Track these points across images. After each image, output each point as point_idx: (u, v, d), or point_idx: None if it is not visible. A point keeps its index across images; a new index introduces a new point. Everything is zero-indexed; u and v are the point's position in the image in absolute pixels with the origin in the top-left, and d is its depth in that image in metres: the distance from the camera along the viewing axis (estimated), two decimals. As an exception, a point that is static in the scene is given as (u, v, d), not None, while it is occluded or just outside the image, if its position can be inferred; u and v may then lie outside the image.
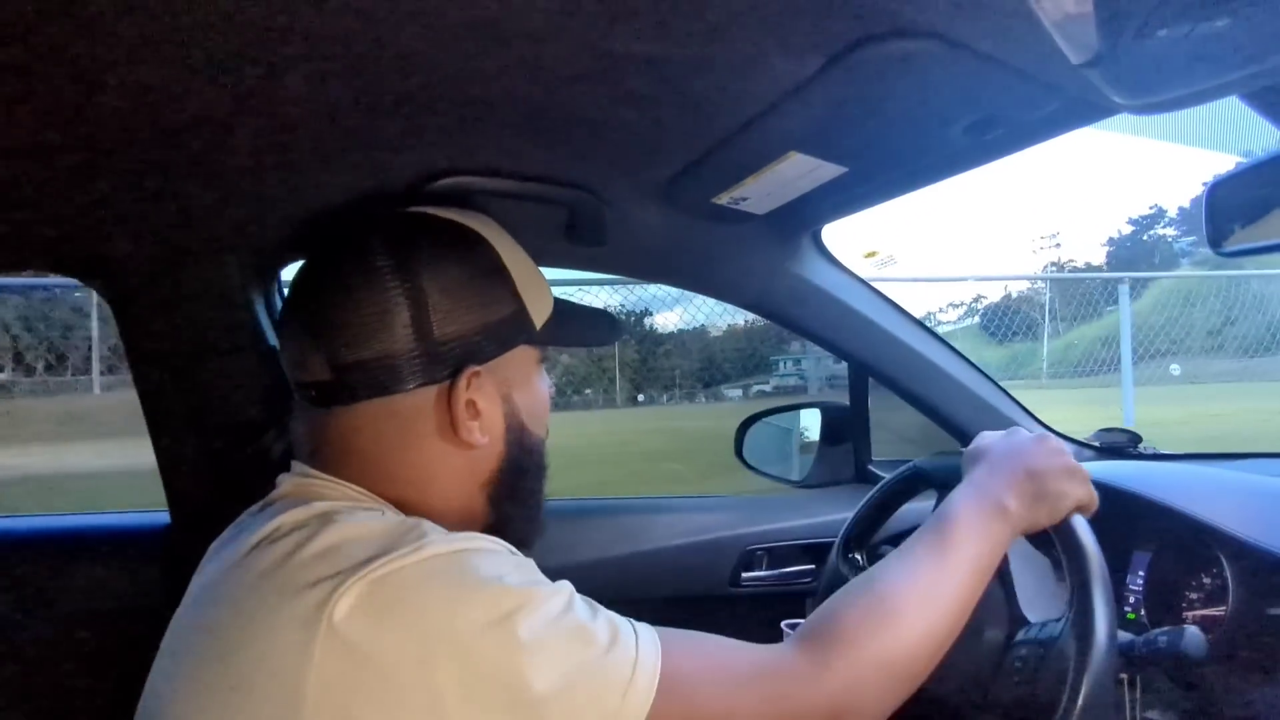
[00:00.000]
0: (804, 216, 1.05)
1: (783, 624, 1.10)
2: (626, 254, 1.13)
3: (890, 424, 1.52)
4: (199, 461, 1.03)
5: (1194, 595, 0.95)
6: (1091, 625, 0.67)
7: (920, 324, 1.29)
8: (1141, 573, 1.00)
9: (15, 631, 0.88)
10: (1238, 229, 0.69)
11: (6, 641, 0.86)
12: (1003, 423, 1.34)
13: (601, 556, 1.31)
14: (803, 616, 1.08)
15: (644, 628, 0.56)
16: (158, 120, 0.64)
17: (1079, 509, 0.73)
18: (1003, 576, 0.81)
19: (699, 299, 6.77)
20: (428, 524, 0.55)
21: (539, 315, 0.69)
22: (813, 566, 1.35)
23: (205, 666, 0.51)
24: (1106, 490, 1.02)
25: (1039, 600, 0.82)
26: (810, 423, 1.62)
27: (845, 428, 1.54)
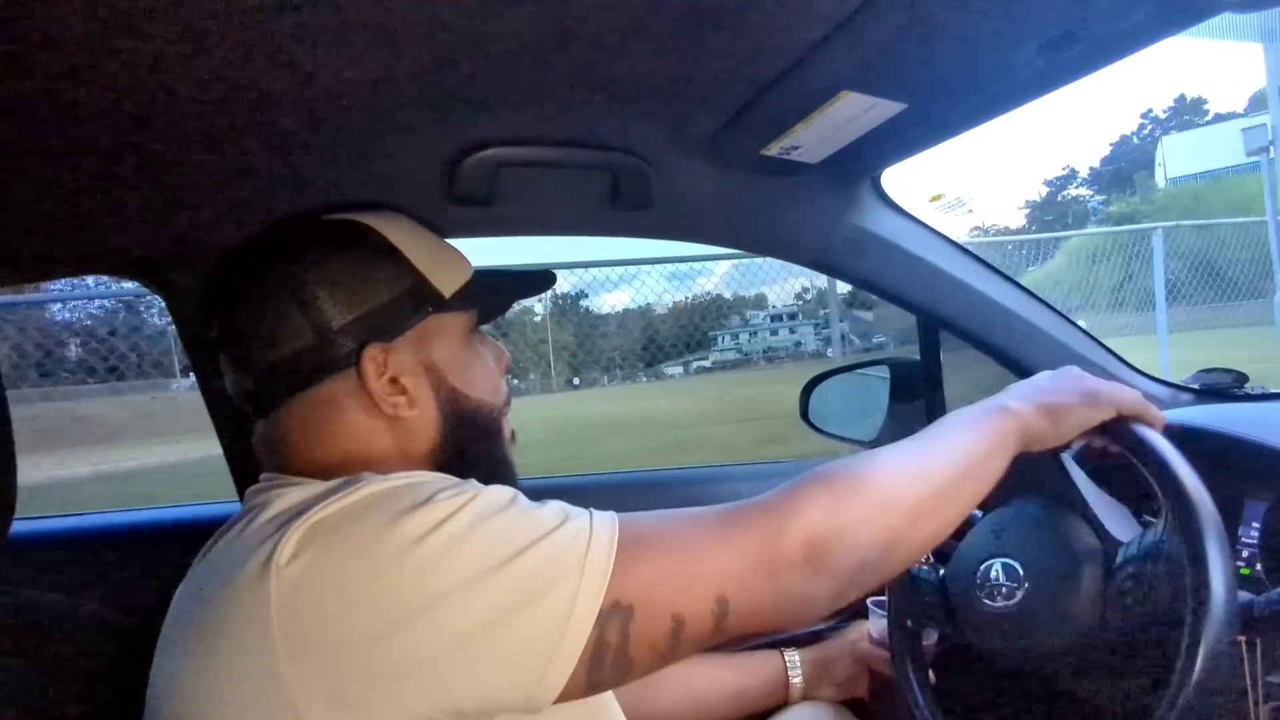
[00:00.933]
0: (862, 162, 0.98)
1: (869, 600, 1.05)
2: (675, 216, 1.08)
3: (966, 379, 1.44)
4: None
5: (1319, 546, 0.86)
6: (1191, 515, 0.63)
7: (995, 270, 1.20)
8: (1256, 524, 0.91)
9: (104, 624, 0.92)
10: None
11: (99, 634, 0.90)
12: (1091, 368, 1.25)
13: None
14: None
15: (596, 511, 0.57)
16: (200, 118, 0.65)
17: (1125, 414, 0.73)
18: (1085, 514, 0.77)
19: (643, 279, 6.73)
20: (370, 474, 0.57)
21: (448, 285, 0.72)
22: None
23: (190, 636, 0.54)
24: (1209, 436, 0.94)
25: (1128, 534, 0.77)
26: (879, 381, 1.56)
27: (917, 384, 1.47)
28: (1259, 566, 0.90)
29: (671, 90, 0.78)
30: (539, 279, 0.85)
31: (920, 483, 0.61)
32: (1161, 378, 1.32)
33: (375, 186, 0.87)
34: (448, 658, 0.49)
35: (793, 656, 1.03)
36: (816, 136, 0.86)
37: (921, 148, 0.96)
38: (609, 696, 0.72)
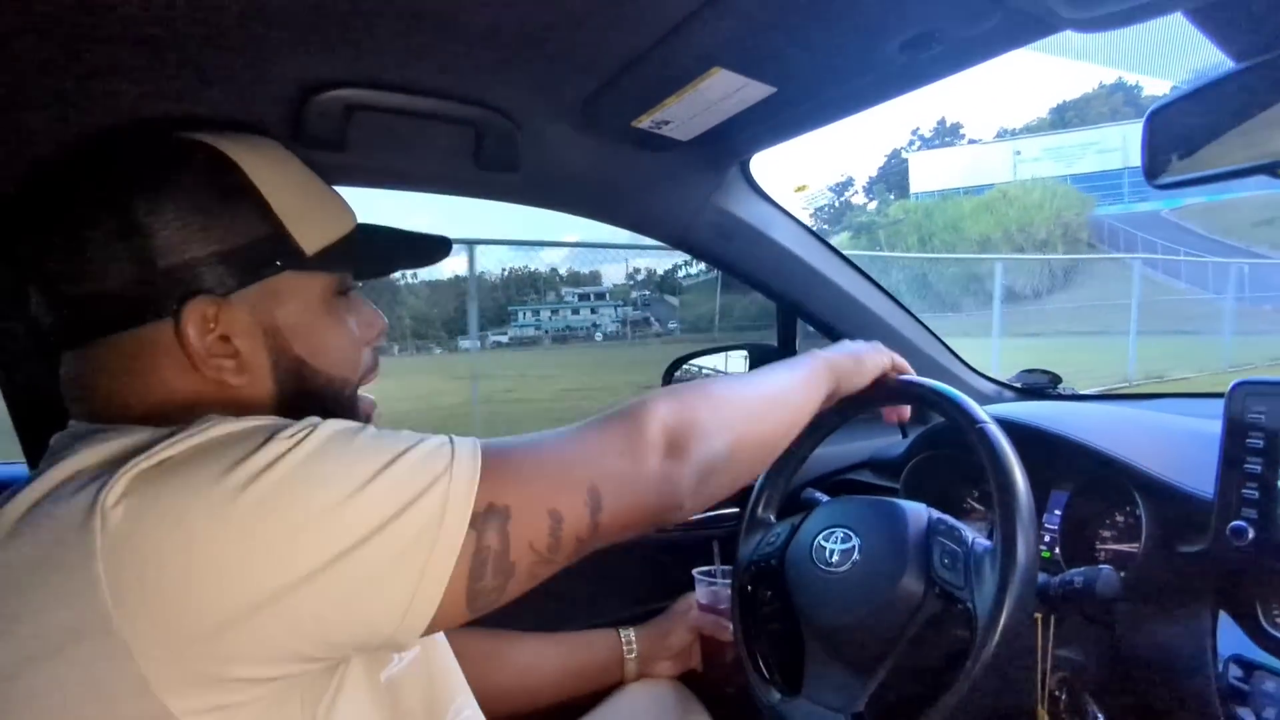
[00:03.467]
0: (731, 144, 0.98)
1: (694, 571, 1.08)
2: (541, 182, 1.04)
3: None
4: None
5: (1107, 533, 0.96)
6: (1009, 501, 0.69)
7: (851, 263, 1.25)
8: (1058, 511, 1.00)
9: None
10: (1175, 159, 0.66)
11: None
12: (929, 362, 1.33)
13: None
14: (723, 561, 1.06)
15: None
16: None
17: (886, 368, 0.87)
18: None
19: (487, 248, 6.60)
20: (218, 416, 0.51)
21: (313, 239, 0.62)
22: (736, 510, 1.33)
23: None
24: (1025, 430, 1.02)
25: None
26: (737, 365, 1.59)
27: (774, 370, 1.51)
28: (1058, 550, 1.00)
29: (544, 49, 0.74)
30: (430, 245, 0.76)
31: (752, 393, 0.71)
32: (990, 375, 1.43)
33: (219, 114, 0.77)
34: (312, 587, 0.44)
35: (628, 633, 1.03)
36: (688, 112, 0.85)
37: (790, 134, 0.97)
38: (455, 667, 0.71)
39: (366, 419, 0.69)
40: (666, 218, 1.15)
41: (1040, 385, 1.36)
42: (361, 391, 0.69)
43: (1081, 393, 1.34)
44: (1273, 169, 0.58)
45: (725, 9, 0.65)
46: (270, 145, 0.64)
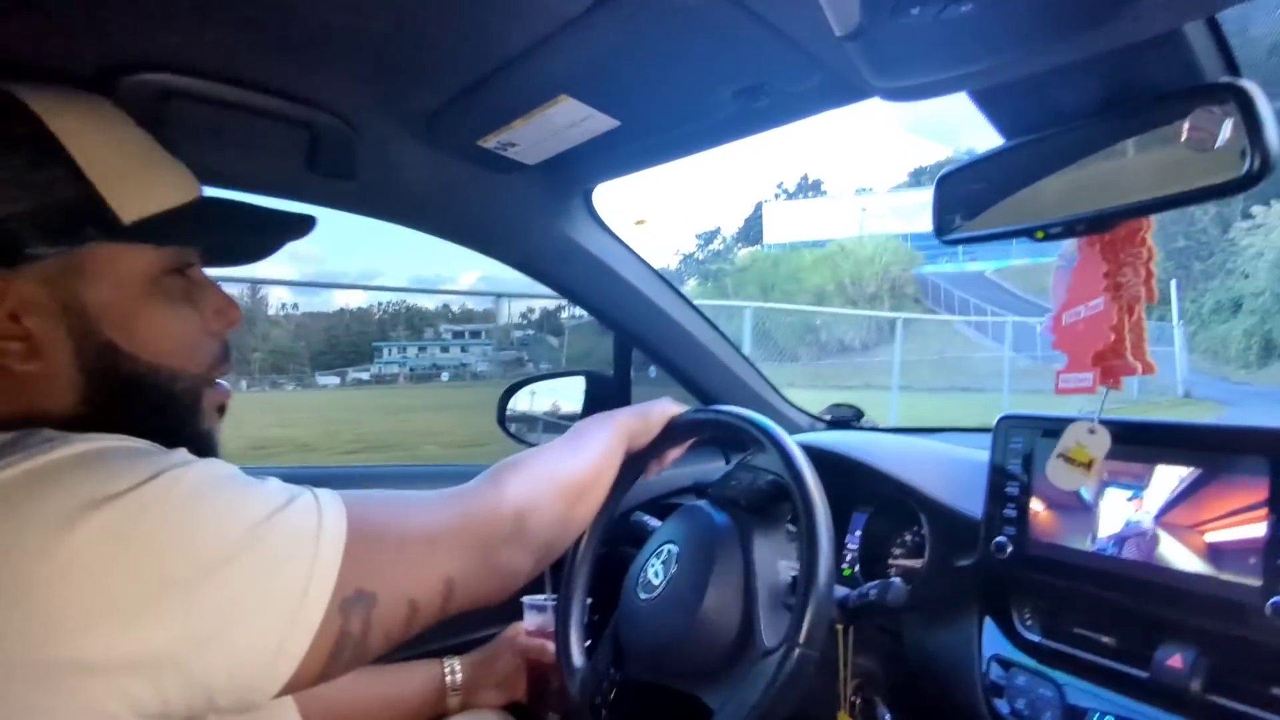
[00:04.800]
0: (576, 172, 1.01)
1: (524, 599, 1.07)
2: (380, 193, 1.01)
3: (653, 394, 1.55)
4: None
5: (898, 550, 1.06)
6: (811, 520, 0.72)
7: (684, 297, 1.31)
8: (858, 532, 1.10)
9: None
10: (959, 219, 0.76)
11: None
12: (751, 396, 1.42)
13: None
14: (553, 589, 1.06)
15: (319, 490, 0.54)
16: None
17: (671, 414, 0.90)
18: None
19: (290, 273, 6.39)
20: (49, 431, 0.47)
21: (135, 206, 0.55)
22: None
23: None
24: (831, 457, 1.11)
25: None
26: (574, 391, 1.60)
27: (610, 397, 1.54)
28: (858, 568, 1.09)
29: (390, 60, 0.72)
30: (290, 222, 0.67)
31: (577, 468, 0.76)
32: (803, 409, 1.54)
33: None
34: (162, 651, 0.42)
35: (452, 662, 1.00)
36: (534, 137, 0.86)
37: (633, 168, 1.02)
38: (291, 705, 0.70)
39: (220, 409, 0.64)
40: (510, 239, 1.15)
41: (846, 418, 1.49)
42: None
43: (881, 425, 1.48)
44: (1031, 232, 0.68)
45: (575, 40, 0.67)
46: (95, 101, 0.57)
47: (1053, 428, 0.83)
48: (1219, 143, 0.51)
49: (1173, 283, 16.47)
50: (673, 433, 0.89)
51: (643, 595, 0.86)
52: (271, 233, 0.68)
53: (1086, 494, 0.79)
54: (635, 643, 0.85)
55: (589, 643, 0.96)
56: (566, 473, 0.74)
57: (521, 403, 1.63)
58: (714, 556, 0.81)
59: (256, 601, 0.45)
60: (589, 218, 1.14)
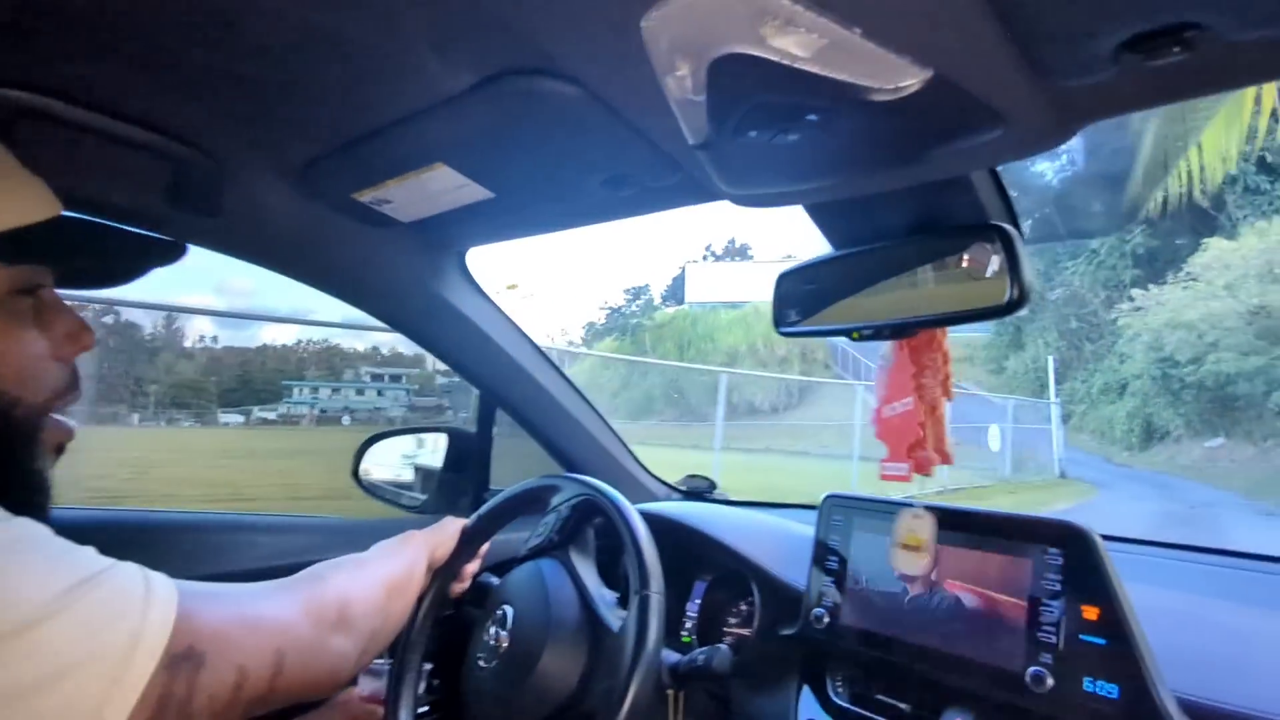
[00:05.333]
0: (451, 234, 1.04)
1: None
2: (248, 234, 1.00)
3: (515, 455, 1.56)
4: None
5: (733, 619, 1.11)
6: (643, 587, 0.75)
7: (551, 363, 1.35)
8: (698, 600, 1.14)
9: None
10: (794, 315, 0.85)
11: None
12: (610, 461, 1.46)
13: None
14: None
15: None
16: None
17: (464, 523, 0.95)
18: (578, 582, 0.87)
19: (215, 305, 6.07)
20: None
21: None
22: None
23: None
24: (676, 526, 1.16)
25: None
26: (435, 448, 1.59)
27: (471, 456, 1.54)
28: (695, 637, 1.13)
29: (266, 103, 0.74)
30: (146, 248, 0.66)
31: (392, 571, 0.80)
32: (662, 478, 1.60)
33: None
34: None
35: None
36: (409, 197, 0.89)
37: (508, 236, 1.06)
38: None
39: (58, 449, 0.60)
40: (380, 293, 1.16)
41: (700, 489, 1.56)
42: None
43: (730, 498, 1.55)
44: (849, 333, 0.77)
45: (454, 115, 0.71)
46: None
47: (870, 507, 0.91)
48: (989, 273, 0.62)
49: (1049, 359, 17.06)
50: (469, 539, 0.94)
51: (482, 663, 0.86)
52: (133, 257, 0.66)
53: (894, 570, 0.87)
54: (482, 714, 0.85)
55: (424, 709, 0.94)
56: (384, 571, 0.79)
57: (380, 456, 1.59)
58: (547, 603, 0.83)
59: (77, 659, 0.44)
60: (462, 279, 1.17)
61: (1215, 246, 14.40)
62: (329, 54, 0.64)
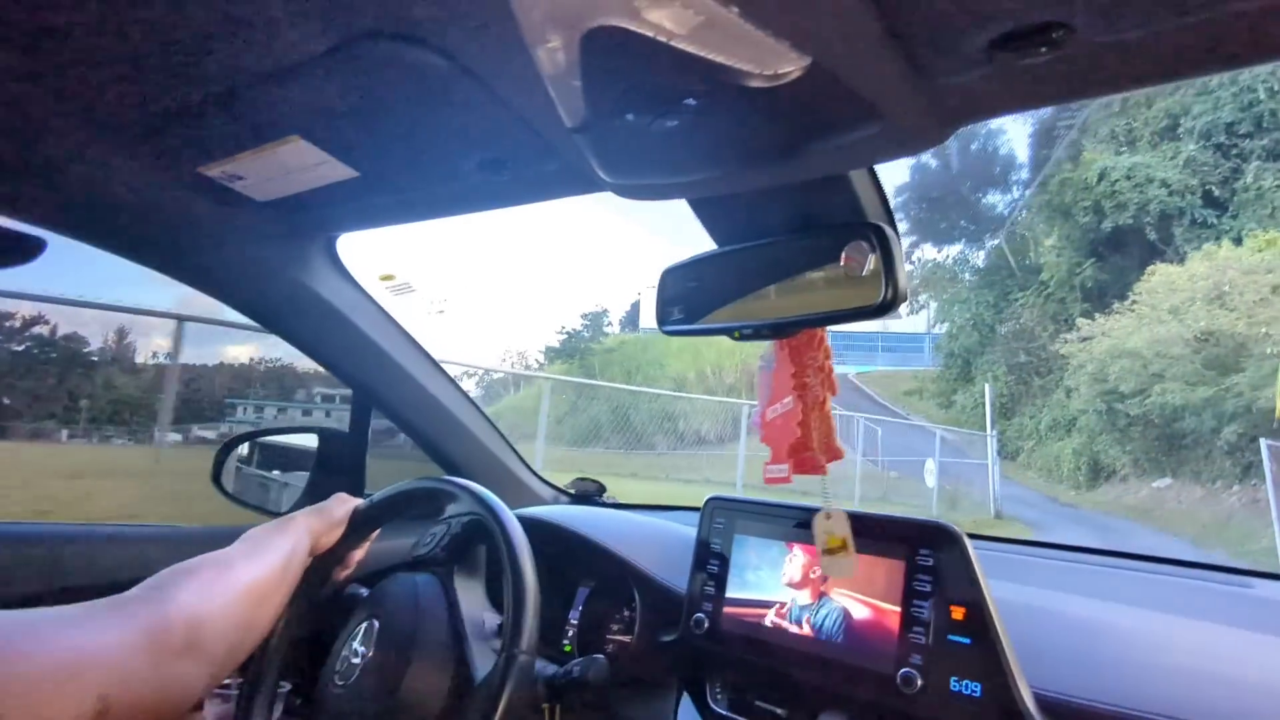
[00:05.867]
0: (315, 218, 0.96)
1: None
2: (80, 210, 0.89)
3: (389, 455, 1.47)
4: None
5: (616, 626, 1.08)
6: (518, 599, 0.71)
7: (430, 358, 1.28)
8: (580, 607, 1.11)
9: None
10: (677, 313, 0.83)
11: None
12: (495, 463, 1.40)
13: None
14: None
15: None
16: None
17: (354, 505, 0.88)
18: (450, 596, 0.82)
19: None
20: None
21: None
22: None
23: None
24: (563, 532, 1.12)
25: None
26: (304, 450, 1.48)
27: (344, 457, 1.44)
28: (576, 645, 1.09)
29: (98, 60, 0.64)
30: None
31: (257, 577, 0.72)
32: (551, 482, 1.55)
33: None
34: None
35: None
36: (265, 174, 0.81)
37: (380, 222, 0.98)
38: None
39: None
40: (238, 282, 1.06)
41: (589, 492, 1.53)
42: None
43: (619, 502, 1.53)
44: (730, 332, 0.76)
45: (309, 82, 0.65)
46: None
47: (752, 510, 0.90)
48: (865, 272, 0.61)
49: (986, 387, 16.38)
50: (358, 524, 0.87)
51: (339, 682, 0.79)
52: None
53: (773, 574, 0.86)
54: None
55: None
56: (247, 577, 0.71)
57: (244, 459, 1.48)
58: (417, 623, 0.77)
59: None
60: (330, 267, 1.08)
61: (1162, 271, 14.22)
62: (168, 5, 0.56)
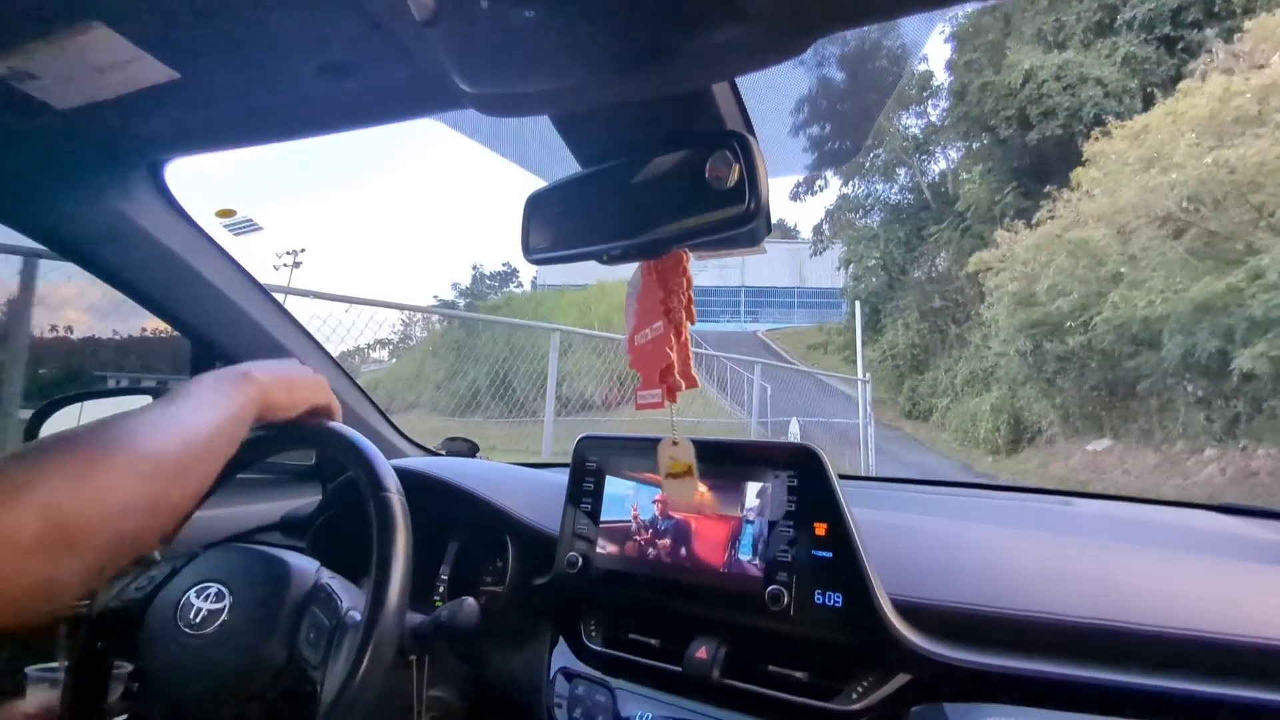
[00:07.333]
0: (134, 134, 0.84)
1: (29, 669, 0.84)
2: None
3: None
4: None
5: (488, 578, 1.05)
6: (385, 541, 0.67)
7: (279, 305, 1.18)
8: (451, 562, 1.06)
9: None
10: (543, 241, 0.79)
11: None
12: (358, 421, 1.32)
13: None
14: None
15: None
16: None
17: (320, 410, 0.77)
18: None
19: None
20: None
21: None
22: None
23: None
24: (432, 482, 1.07)
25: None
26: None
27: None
28: (448, 599, 1.05)
29: None
30: None
31: (176, 443, 0.58)
32: (419, 442, 1.48)
33: None
34: None
35: None
36: (63, 72, 0.70)
37: (212, 145, 0.88)
38: None
39: None
40: (38, 208, 0.92)
41: (461, 450, 1.47)
42: None
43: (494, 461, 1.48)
44: (598, 255, 0.73)
45: None
46: None
47: (623, 446, 0.89)
48: (729, 184, 0.60)
49: (856, 306, 13.55)
50: (309, 431, 0.77)
51: (189, 630, 0.72)
52: None
53: (645, 508, 0.86)
54: (166, 687, 0.72)
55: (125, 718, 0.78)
56: (159, 444, 0.56)
57: (64, 425, 1.32)
58: (278, 581, 0.73)
59: None
60: (157, 196, 0.96)
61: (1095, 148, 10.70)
62: None
